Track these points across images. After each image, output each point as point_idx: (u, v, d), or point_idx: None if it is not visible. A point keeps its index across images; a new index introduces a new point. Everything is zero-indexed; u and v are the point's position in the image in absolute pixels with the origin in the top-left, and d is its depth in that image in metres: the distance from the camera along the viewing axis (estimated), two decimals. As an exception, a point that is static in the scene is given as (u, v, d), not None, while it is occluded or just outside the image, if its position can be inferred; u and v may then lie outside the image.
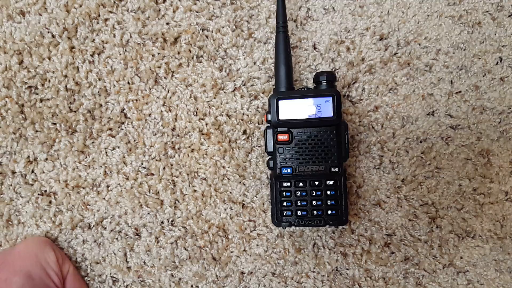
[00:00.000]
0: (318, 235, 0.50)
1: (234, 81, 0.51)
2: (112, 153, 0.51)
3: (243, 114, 0.51)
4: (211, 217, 0.51)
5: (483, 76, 0.49)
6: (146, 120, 0.51)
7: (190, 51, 0.51)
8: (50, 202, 0.52)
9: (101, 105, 0.51)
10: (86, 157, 0.52)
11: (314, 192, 0.45)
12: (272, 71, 0.50)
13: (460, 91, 0.49)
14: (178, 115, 0.51)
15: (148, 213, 0.51)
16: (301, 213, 0.45)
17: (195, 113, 0.51)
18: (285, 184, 0.46)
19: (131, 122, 0.51)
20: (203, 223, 0.51)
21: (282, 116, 0.44)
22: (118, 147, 0.51)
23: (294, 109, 0.44)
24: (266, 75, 0.50)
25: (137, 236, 0.51)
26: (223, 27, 0.51)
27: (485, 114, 0.49)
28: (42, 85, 0.51)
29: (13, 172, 0.52)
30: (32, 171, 0.52)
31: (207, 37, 0.51)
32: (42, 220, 0.51)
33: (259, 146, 0.51)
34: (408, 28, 0.50)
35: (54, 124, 0.51)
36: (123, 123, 0.51)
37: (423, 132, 0.50)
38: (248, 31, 0.50)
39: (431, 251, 0.49)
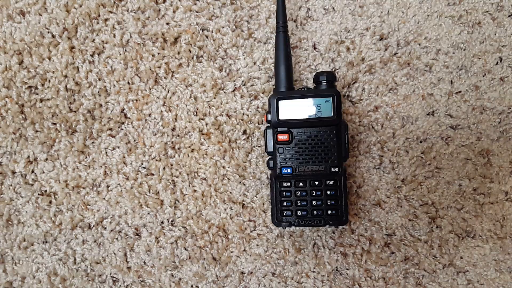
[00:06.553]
0: (318, 235, 0.50)
1: (234, 81, 0.51)
2: (112, 153, 0.51)
3: (243, 114, 0.51)
4: (211, 217, 0.51)
5: (483, 76, 0.49)
6: (146, 120, 0.51)
7: (190, 51, 0.51)
8: (50, 202, 0.52)
9: (101, 105, 0.51)
10: (86, 157, 0.52)
11: (314, 192, 0.45)
12: (272, 71, 0.50)
13: (460, 91, 0.49)
14: (178, 115, 0.51)
15: (148, 213, 0.51)
16: (301, 213, 0.45)
17: (195, 113, 0.51)
18: (285, 184, 0.46)
19: (131, 122, 0.51)
20: (203, 223, 0.51)
21: (282, 116, 0.44)
22: (118, 147, 0.51)
23: (294, 109, 0.44)
24: (266, 75, 0.50)
25: (137, 236, 0.51)
26: (223, 27, 0.51)
27: (485, 114, 0.49)
28: (42, 85, 0.51)
29: (13, 172, 0.52)
30: (32, 171, 0.52)
31: (207, 37, 0.51)
32: (42, 220, 0.51)
33: (259, 146, 0.51)
34: (408, 28, 0.50)
35: (54, 124, 0.51)
36: (123, 123, 0.51)
37: (423, 132, 0.50)
38: (248, 31, 0.50)
39: (431, 251, 0.49)
